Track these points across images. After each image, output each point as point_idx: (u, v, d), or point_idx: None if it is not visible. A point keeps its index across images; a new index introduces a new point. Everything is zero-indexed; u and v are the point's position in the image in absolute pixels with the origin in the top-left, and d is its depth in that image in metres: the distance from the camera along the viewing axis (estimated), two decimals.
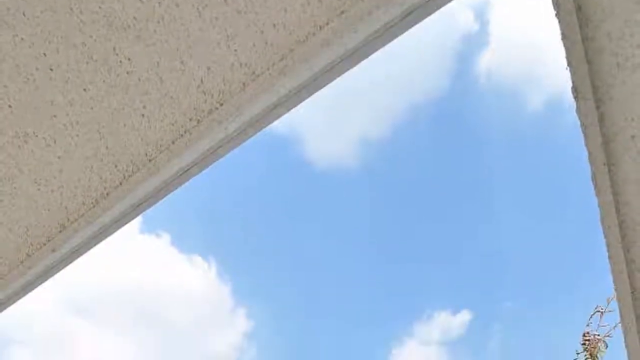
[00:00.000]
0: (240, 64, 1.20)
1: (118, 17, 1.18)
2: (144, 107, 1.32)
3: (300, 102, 1.27)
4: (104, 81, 1.27)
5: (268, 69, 1.20)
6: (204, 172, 1.52)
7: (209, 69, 1.21)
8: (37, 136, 1.43)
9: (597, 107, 1.23)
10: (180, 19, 1.18)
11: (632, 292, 1.80)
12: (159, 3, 1.16)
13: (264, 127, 1.37)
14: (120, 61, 1.22)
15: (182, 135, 1.39)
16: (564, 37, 1.10)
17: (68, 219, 1.68)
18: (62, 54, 1.22)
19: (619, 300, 1.85)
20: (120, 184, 1.56)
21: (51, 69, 1.25)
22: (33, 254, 1.82)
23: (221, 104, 1.28)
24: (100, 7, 1.18)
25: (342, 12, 1.10)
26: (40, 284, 1.99)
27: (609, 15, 1.06)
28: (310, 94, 1.26)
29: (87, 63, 1.23)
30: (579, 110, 1.24)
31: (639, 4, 1.04)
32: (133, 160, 1.48)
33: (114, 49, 1.23)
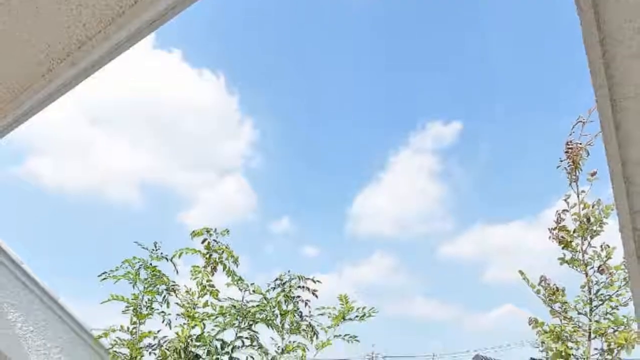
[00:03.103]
0: None
1: None
2: None
3: None
4: None
5: None
6: None
7: None
8: None
9: None
10: None
11: (612, 104, 2.07)
12: None
13: None
14: None
15: None
16: None
17: (86, 36, 1.93)
18: None
19: (599, 111, 2.12)
20: (135, 2, 1.78)
21: None
22: (54, 68, 2.09)
23: None
24: None
25: None
26: (60, 95, 2.29)
27: None
28: None
29: None
30: None
31: None
32: None
33: None
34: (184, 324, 4.89)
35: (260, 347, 4.98)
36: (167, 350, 4.82)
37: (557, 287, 5.28)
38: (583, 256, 5.07)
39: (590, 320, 5.06)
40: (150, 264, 4.93)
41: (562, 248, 5.17)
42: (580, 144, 4.87)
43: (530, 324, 5.42)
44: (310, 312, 5.08)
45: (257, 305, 4.95)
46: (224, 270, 5.01)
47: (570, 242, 5.11)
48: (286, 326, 5.04)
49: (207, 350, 4.83)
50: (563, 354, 5.06)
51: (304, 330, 5.04)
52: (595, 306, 5.08)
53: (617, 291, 4.98)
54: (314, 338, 5.03)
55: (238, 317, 4.87)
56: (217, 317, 4.90)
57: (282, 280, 5.08)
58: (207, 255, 5.04)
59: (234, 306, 4.94)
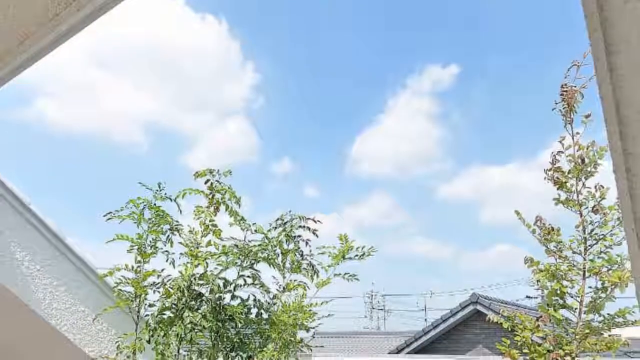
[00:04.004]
0: None
1: None
2: None
3: None
4: None
5: None
6: None
7: None
8: None
9: None
10: None
11: (605, 47, 2.14)
12: None
13: None
14: None
15: None
16: None
17: None
18: None
19: (593, 54, 2.19)
20: None
21: None
22: (60, 12, 2.15)
23: None
24: None
25: None
26: (65, 40, 2.35)
27: None
28: None
29: None
30: None
31: None
32: None
33: None
34: (188, 262, 5.05)
35: (262, 285, 5.15)
36: (171, 288, 5.00)
37: (552, 227, 5.40)
38: (578, 196, 5.18)
39: (584, 259, 5.19)
40: (154, 204, 5.06)
41: (557, 189, 5.27)
42: (575, 87, 4.91)
43: (526, 263, 5.57)
44: (310, 251, 5.22)
45: (259, 245, 5.09)
46: (226, 210, 5.13)
47: (565, 182, 5.20)
48: (287, 265, 5.21)
49: (210, 289, 4.99)
50: (558, 292, 5.21)
51: (304, 269, 5.20)
52: (589, 245, 5.20)
53: (611, 231, 5.09)
54: (315, 277, 5.19)
55: (240, 256, 5.02)
56: (219, 256, 5.05)
57: (283, 220, 5.20)
58: (210, 196, 5.15)
59: (237, 245, 5.08)
